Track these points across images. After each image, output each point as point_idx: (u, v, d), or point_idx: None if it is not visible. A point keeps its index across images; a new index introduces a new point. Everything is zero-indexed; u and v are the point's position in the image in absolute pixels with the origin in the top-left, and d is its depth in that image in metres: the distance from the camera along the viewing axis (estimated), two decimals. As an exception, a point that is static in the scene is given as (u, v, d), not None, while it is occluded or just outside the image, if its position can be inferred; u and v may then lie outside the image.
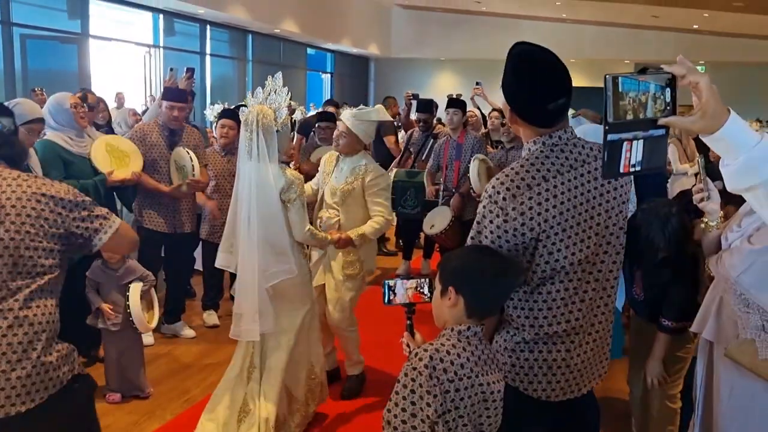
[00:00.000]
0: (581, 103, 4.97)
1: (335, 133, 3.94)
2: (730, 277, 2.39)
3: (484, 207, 2.03)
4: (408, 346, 2.07)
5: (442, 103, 6.63)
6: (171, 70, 5.67)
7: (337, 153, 3.98)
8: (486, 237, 2.02)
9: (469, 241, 2.10)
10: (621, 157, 1.45)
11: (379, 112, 4.00)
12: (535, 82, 2.01)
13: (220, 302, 5.52)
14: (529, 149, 2.07)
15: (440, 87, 19.15)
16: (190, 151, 4.73)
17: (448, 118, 6.00)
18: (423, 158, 6.62)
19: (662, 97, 1.43)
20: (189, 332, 5.07)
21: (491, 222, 2.01)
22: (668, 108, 1.43)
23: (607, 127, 1.41)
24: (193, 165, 4.68)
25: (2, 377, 1.97)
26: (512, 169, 2.04)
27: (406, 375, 1.79)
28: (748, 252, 2.36)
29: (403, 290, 2.17)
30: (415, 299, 2.17)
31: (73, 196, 2.11)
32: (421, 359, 1.77)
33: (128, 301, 3.81)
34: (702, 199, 2.54)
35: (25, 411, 1.99)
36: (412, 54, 20.32)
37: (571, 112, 4.24)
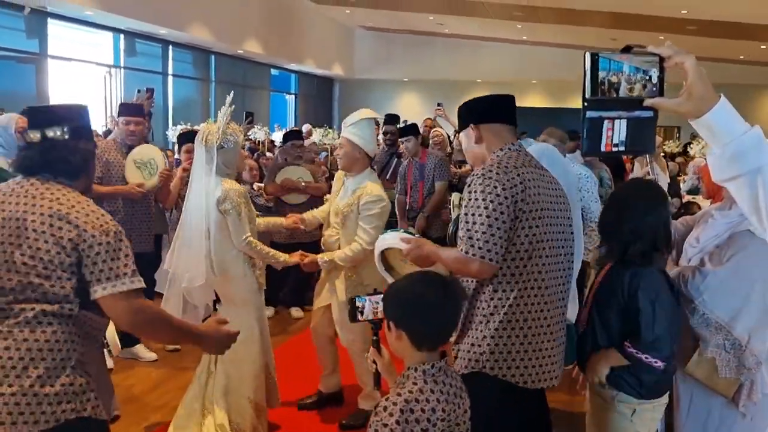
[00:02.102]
0: (544, 122, 5.04)
1: (336, 150, 3.87)
2: (693, 298, 2.42)
3: (476, 186, 2.22)
4: (375, 362, 2.04)
5: (404, 124, 6.69)
6: (138, 91, 5.68)
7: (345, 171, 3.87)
8: (479, 207, 2.18)
9: (460, 229, 2.26)
10: (602, 136, 1.44)
11: (362, 112, 3.80)
12: (494, 95, 2.49)
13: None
14: (491, 158, 2.33)
15: (404, 107, 19.23)
16: (155, 146, 4.80)
17: (403, 147, 6.03)
18: (387, 177, 6.62)
19: (639, 79, 1.41)
20: (150, 355, 4.96)
21: (487, 193, 2.18)
22: (655, 89, 1.42)
23: (585, 104, 1.41)
24: (158, 160, 4.70)
25: None
26: (490, 162, 2.30)
27: None
28: (709, 274, 2.39)
29: (371, 306, 2.13)
30: (382, 315, 2.13)
31: (100, 232, 1.96)
32: (391, 414, 1.66)
33: None
34: None
35: None
36: (375, 75, 20.43)
37: (530, 140, 4.28)
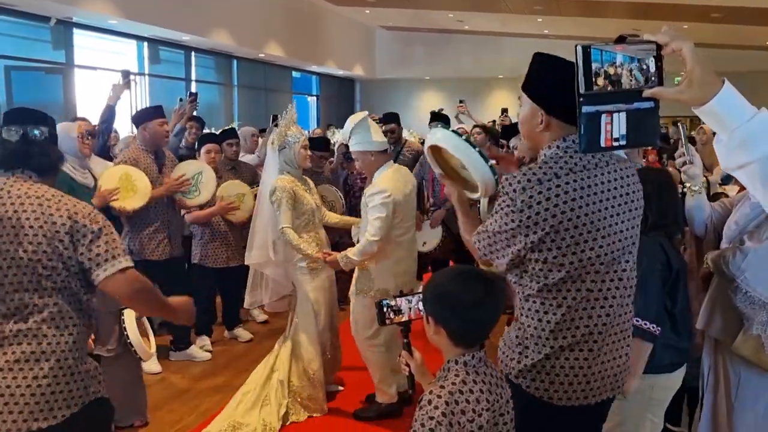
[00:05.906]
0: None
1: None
2: (735, 277, 2.42)
3: (507, 189, 1.98)
4: (407, 365, 2.05)
5: (427, 122, 6.63)
6: (181, 100, 5.77)
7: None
8: (493, 222, 2.02)
9: (475, 233, 2.12)
10: (600, 131, 1.39)
11: (350, 120, 3.92)
12: (568, 75, 1.70)
13: (212, 327, 5.46)
14: (544, 154, 2.05)
15: (426, 106, 19.15)
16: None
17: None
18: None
19: (636, 68, 1.35)
20: (204, 355, 5.13)
21: (501, 209, 1.99)
22: (653, 79, 1.35)
23: (581, 99, 1.35)
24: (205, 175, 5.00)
25: (27, 392, 1.99)
26: (527, 167, 2.03)
27: (423, 425, 1.67)
28: (750, 252, 2.40)
29: (407, 308, 2.12)
30: (417, 316, 2.11)
31: (90, 221, 2.08)
32: (437, 407, 1.66)
33: (126, 331, 3.65)
34: (684, 163, 2.59)
35: (47, 427, 2.00)
36: (396, 74, 20.43)
37: None
